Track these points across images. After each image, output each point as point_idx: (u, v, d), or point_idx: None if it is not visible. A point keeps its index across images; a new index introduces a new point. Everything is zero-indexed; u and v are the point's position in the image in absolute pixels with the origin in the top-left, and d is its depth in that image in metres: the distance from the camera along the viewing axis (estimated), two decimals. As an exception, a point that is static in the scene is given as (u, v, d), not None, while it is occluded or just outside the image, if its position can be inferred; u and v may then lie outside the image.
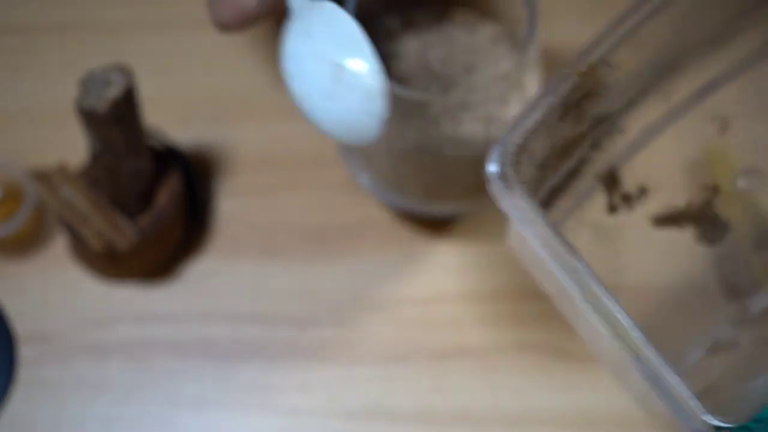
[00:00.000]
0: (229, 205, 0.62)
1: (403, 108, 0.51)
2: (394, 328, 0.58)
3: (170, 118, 0.64)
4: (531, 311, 0.58)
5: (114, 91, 0.53)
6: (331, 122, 0.41)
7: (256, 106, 0.64)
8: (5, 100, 0.66)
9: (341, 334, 0.58)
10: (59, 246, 0.61)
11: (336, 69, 0.40)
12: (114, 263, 0.58)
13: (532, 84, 0.54)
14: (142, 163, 0.57)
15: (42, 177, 0.59)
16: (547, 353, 0.57)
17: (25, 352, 0.58)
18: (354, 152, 0.57)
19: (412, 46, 0.57)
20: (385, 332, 0.58)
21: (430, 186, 0.56)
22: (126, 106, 0.53)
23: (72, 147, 0.62)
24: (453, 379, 0.57)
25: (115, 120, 0.53)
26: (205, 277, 0.60)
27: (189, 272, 0.60)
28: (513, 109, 0.54)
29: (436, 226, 0.61)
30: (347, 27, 0.41)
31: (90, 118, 0.53)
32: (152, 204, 0.58)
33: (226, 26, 0.47)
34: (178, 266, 0.60)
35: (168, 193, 0.59)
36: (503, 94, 0.53)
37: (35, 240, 0.61)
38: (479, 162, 0.53)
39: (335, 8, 0.42)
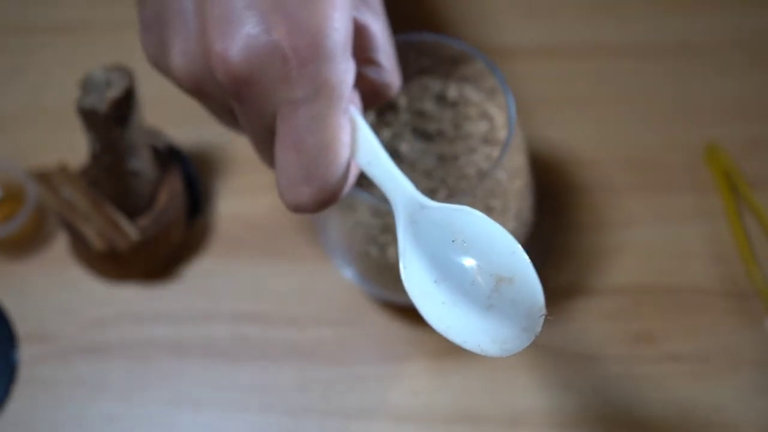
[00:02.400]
0: (229, 205, 0.62)
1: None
2: (394, 325, 0.58)
3: (170, 118, 0.64)
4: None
5: (114, 92, 0.53)
6: (476, 332, 0.39)
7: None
8: (5, 100, 0.66)
9: (341, 334, 0.58)
10: (60, 246, 0.61)
11: (497, 282, 0.39)
12: (114, 263, 0.58)
13: (512, 192, 0.52)
14: (143, 163, 0.57)
15: (42, 177, 0.59)
16: (548, 353, 0.57)
17: (25, 352, 0.58)
18: (336, 250, 0.55)
19: (385, 135, 0.55)
20: (384, 331, 0.58)
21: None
22: (126, 106, 0.53)
23: (72, 147, 0.62)
24: (453, 378, 0.57)
25: (116, 120, 0.53)
26: (205, 277, 0.60)
27: (189, 272, 0.60)
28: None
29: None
30: (505, 239, 0.39)
31: (90, 118, 0.53)
32: (152, 204, 0.58)
33: (304, 209, 0.41)
34: (178, 266, 0.60)
35: (168, 193, 0.59)
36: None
37: (36, 240, 0.61)
38: None
39: (486, 218, 0.40)
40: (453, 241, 0.40)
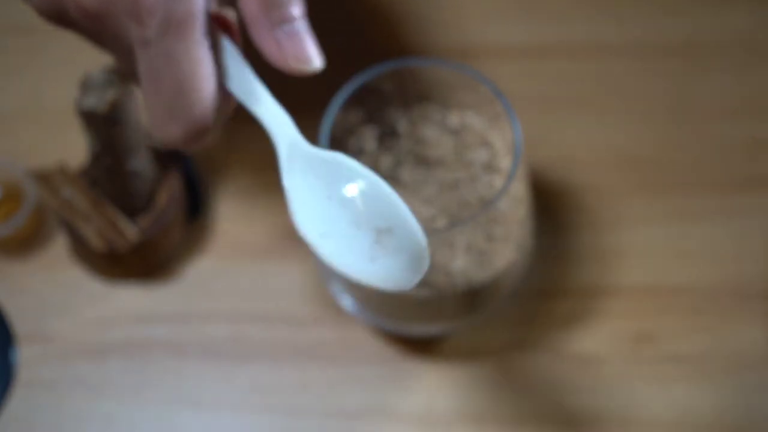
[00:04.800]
0: (229, 205, 0.62)
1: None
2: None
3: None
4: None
5: (114, 92, 0.53)
6: (369, 278, 0.39)
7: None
8: (5, 100, 0.66)
9: (341, 334, 0.58)
10: (59, 246, 0.61)
11: (377, 234, 0.39)
12: (114, 263, 0.58)
13: (513, 216, 0.53)
14: (142, 163, 0.57)
15: (42, 177, 0.59)
16: (548, 353, 0.57)
17: (25, 352, 0.58)
18: (335, 277, 0.55)
19: (385, 161, 0.55)
20: (385, 331, 0.58)
21: (410, 311, 0.54)
22: (126, 107, 0.53)
23: (72, 147, 0.62)
24: (453, 378, 0.57)
25: (115, 120, 0.53)
26: (205, 277, 0.60)
27: (189, 272, 0.60)
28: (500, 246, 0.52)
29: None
30: (379, 188, 0.39)
31: (90, 118, 0.53)
32: (152, 204, 0.58)
33: (179, 145, 0.41)
34: (178, 266, 0.60)
35: (168, 193, 0.59)
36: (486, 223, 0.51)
37: (35, 240, 0.61)
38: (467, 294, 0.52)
39: (359, 168, 0.40)
40: (329, 198, 0.40)
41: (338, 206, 0.39)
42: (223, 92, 0.41)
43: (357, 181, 0.39)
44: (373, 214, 0.39)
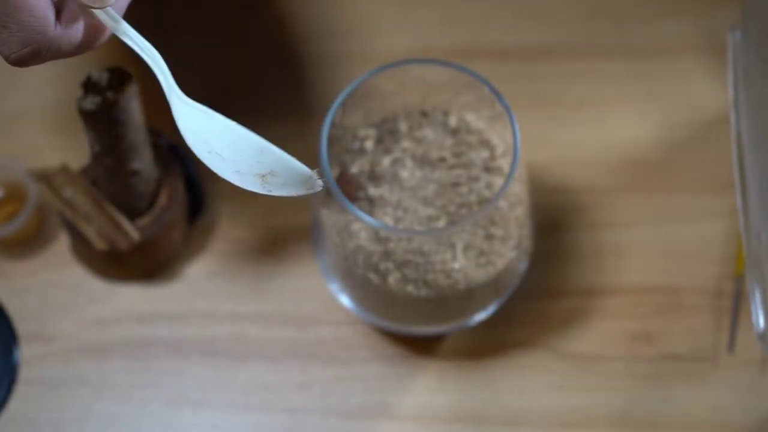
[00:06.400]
0: (230, 205, 0.62)
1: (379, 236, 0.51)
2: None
3: (170, 118, 0.63)
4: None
5: (115, 92, 0.53)
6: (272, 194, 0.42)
7: (257, 105, 0.64)
8: (7, 100, 0.66)
9: (341, 334, 0.58)
10: (61, 246, 0.61)
11: (261, 177, 0.41)
12: (115, 263, 0.59)
13: (514, 215, 0.53)
14: (143, 163, 0.57)
15: (44, 177, 0.59)
16: (548, 353, 0.57)
17: (26, 352, 0.58)
18: (335, 275, 0.56)
19: (385, 161, 0.55)
20: (384, 331, 0.58)
21: (412, 311, 0.55)
22: (127, 107, 0.53)
23: (73, 147, 0.62)
24: (453, 378, 0.57)
25: (116, 121, 0.53)
26: (205, 277, 0.60)
27: (189, 272, 0.60)
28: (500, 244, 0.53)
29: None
30: (248, 141, 0.41)
31: (91, 118, 0.53)
32: (153, 204, 0.59)
33: (20, 58, 0.41)
34: (179, 266, 0.60)
35: (169, 193, 0.59)
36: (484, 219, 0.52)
37: (37, 240, 0.61)
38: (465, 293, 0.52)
39: (226, 123, 0.42)
40: (209, 152, 0.42)
41: (219, 158, 0.42)
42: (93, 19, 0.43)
43: (227, 137, 0.42)
44: (250, 163, 0.41)
